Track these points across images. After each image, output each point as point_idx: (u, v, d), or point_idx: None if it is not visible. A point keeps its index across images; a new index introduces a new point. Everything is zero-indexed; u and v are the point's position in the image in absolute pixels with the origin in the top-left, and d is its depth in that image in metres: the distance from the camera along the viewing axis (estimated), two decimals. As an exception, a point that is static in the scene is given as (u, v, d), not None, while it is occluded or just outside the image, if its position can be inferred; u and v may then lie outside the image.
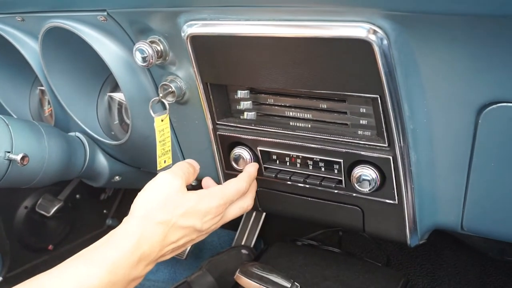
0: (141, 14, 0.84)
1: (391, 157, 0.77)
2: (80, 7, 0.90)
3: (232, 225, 1.52)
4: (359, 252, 1.56)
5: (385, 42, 0.65)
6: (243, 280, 0.95)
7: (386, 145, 0.77)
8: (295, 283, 0.94)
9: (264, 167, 0.91)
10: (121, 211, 1.81)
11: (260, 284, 0.93)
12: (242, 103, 0.86)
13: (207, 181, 0.88)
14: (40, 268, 1.56)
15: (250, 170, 0.87)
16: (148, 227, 0.71)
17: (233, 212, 0.82)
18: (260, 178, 0.91)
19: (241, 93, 0.84)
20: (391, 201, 0.83)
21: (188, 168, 0.81)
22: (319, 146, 0.83)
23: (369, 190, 0.81)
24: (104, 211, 1.77)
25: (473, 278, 1.40)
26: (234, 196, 0.80)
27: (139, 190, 0.78)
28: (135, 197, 0.76)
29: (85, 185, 1.36)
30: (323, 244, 1.45)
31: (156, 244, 0.71)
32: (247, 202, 0.84)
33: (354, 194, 0.86)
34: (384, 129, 0.75)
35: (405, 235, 0.86)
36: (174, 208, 0.73)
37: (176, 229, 0.73)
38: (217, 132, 0.92)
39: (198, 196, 0.76)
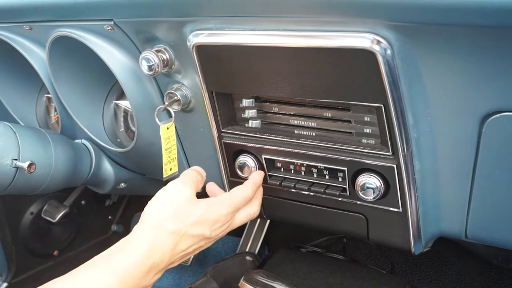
0: (147, 24, 0.85)
1: (395, 166, 0.78)
2: (87, 16, 0.91)
3: (237, 231, 1.52)
4: (363, 259, 1.55)
5: (388, 52, 0.65)
6: (247, 287, 0.95)
7: (390, 153, 0.77)
8: (299, 290, 0.95)
9: (268, 175, 0.91)
10: (126, 217, 1.82)
11: (265, 292, 0.94)
12: (247, 111, 0.87)
13: (211, 186, 0.89)
14: (45, 273, 1.58)
15: (255, 177, 0.88)
16: (160, 237, 0.72)
17: (240, 219, 0.83)
18: (264, 185, 0.91)
19: (246, 102, 0.85)
20: (395, 209, 0.83)
21: (196, 176, 0.82)
22: (323, 154, 0.84)
23: (373, 198, 0.82)
24: (109, 217, 1.78)
25: (478, 286, 1.39)
26: (241, 203, 0.82)
27: (145, 196, 0.79)
28: (140, 203, 0.78)
29: (90, 191, 1.37)
30: (327, 251, 1.45)
31: (167, 253, 0.72)
32: (254, 209, 0.85)
33: (358, 202, 0.86)
34: (388, 138, 0.75)
35: (409, 243, 0.86)
36: (185, 217, 0.74)
37: (187, 238, 0.74)
38: (222, 140, 0.92)
39: (207, 205, 0.77)
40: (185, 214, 0.74)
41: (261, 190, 0.89)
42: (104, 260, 0.69)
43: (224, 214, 0.78)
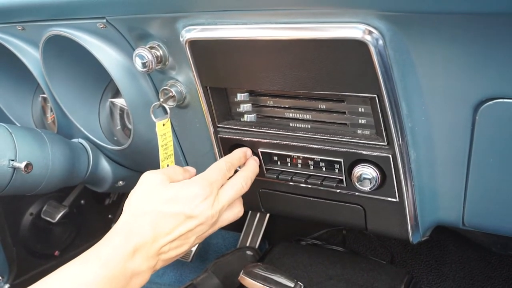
0: (140, 21, 0.84)
1: (390, 156, 0.78)
2: (79, 15, 0.90)
3: (237, 226, 1.53)
4: (363, 251, 1.56)
5: (380, 42, 0.65)
6: (247, 281, 0.96)
7: (385, 143, 0.77)
8: (299, 282, 0.95)
9: (265, 168, 0.92)
10: (126, 216, 1.81)
11: (264, 285, 0.94)
12: (242, 105, 0.87)
13: None
14: (47, 274, 1.57)
15: (233, 151, 0.87)
16: (136, 219, 0.73)
17: (227, 193, 0.80)
18: (262, 179, 0.92)
19: (240, 96, 0.85)
20: (392, 199, 0.84)
21: (174, 167, 0.83)
22: (319, 146, 0.84)
23: (370, 188, 0.82)
24: (109, 215, 1.78)
25: (478, 273, 1.40)
26: (216, 174, 0.79)
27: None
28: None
29: (90, 191, 1.37)
30: (327, 243, 1.45)
31: (147, 233, 0.72)
32: (239, 180, 0.82)
33: (355, 193, 0.87)
34: (383, 128, 0.76)
35: (407, 232, 0.87)
36: (157, 197, 0.75)
37: (165, 217, 0.73)
38: (218, 135, 0.93)
39: (180, 184, 0.77)
40: (157, 194, 0.75)
41: (249, 166, 0.87)
42: (87, 253, 0.70)
43: (199, 188, 0.76)
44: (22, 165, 0.95)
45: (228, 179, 0.82)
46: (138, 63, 0.86)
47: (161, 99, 0.92)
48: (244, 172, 0.84)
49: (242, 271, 0.98)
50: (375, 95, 0.72)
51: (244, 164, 0.88)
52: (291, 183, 0.91)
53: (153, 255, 0.72)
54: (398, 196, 0.82)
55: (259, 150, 0.90)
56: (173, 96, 0.92)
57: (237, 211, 0.83)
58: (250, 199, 0.85)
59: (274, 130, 0.87)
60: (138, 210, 0.74)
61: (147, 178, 0.78)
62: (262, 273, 0.96)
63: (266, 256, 1.26)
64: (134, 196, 0.77)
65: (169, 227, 0.73)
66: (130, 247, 0.70)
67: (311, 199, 0.93)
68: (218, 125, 0.91)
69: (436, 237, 1.46)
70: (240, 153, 0.87)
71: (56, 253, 1.57)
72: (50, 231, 1.55)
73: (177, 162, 1.00)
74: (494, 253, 1.38)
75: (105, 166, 1.21)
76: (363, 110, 0.78)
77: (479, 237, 1.29)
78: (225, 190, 0.80)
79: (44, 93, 1.16)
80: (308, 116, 0.84)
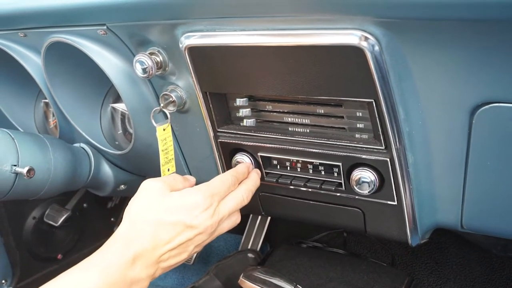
0: (140, 27, 0.85)
1: (388, 159, 0.78)
2: (80, 22, 0.92)
3: (238, 229, 1.53)
4: (364, 253, 1.56)
5: (376, 48, 0.66)
6: (246, 284, 0.97)
7: (383, 147, 0.78)
8: (298, 285, 0.96)
9: (265, 172, 0.92)
10: (128, 219, 1.82)
11: (263, 288, 0.95)
12: (241, 110, 0.87)
13: None
14: (50, 277, 1.56)
15: (237, 166, 0.89)
16: (136, 227, 0.73)
17: (228, 204, 0.80)
18: (262, 183, 0.92)
19: (239, 101, 0.86)
20: (390, 202, 0.84)
21: (174, 175, 0.83)
22: (318, 150, 0.85)
23: (368, 192, 0.82)
24: (112, 219, 1.79)
25: (479, 275, 1.40)
26: (220, 186, 0.80)
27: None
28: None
29: (92, 194, 1.38)
30: (328, 246, 1.46)
31: (147, 242, 0.72)
32: (241, 193, 0.83)
33: (354, 196, 0.87)
34: (381, 132, 0.76)
35: (406, 235, 0.87)
36: (158, 206, 0.75)
37: (165, 226, 0.74)
38: (218, 140, 0.93)
39: (181, 193, 0.78)
40: (158, 203, 0.75)
41: (252, 179, 0.88)
42: (87, 260, 0.71)
43: (200, 199, 0.76)
44: (24, 170, 0.96)
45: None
46: (138, 69, 0.87)
47: (162, 104, 0.93)
48: (246, 185, 0.85)
49: (242, 274, 0.99)
50: (372, 100, 0.73)
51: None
52: (290, 187, 0.92)
53: (152, 263, 0.73)
54: (397, 199, 0.83)
55: (259, 154, 0.91)
56: (173, 101, 0.93)
57: (234, 219, 0.83)
58: (251, 203, 0.85)
59: (273, 135, 0.88)
60: (138, 218, 0.75)
61: (148, 186, 0.79)
62: (262, 276, 0.97)
63: (267, 259, 1.27)
64: (134, 204, 0.77)
65: (169, 236, 0.74)
66: (130, 255, 0.70)
67: (311, 202, 0.93)
68: (218, 130, 0.92)
69: (436, 239, 1.47)
70: (244, 168, 0.88)
71: (59, 256, 1.58)
72: (53, 234, 1.56)
73: (178, 167, 1.01)
74: (494, 255, 1.38)
75: (107, 170, 1.22)
76: (361, 114, 0.79)
77: (480, 239, 1.29)
78: (227, 202, 0.81)
79: (46, 98, 1.17)
80: (306, 120, 0.85)
